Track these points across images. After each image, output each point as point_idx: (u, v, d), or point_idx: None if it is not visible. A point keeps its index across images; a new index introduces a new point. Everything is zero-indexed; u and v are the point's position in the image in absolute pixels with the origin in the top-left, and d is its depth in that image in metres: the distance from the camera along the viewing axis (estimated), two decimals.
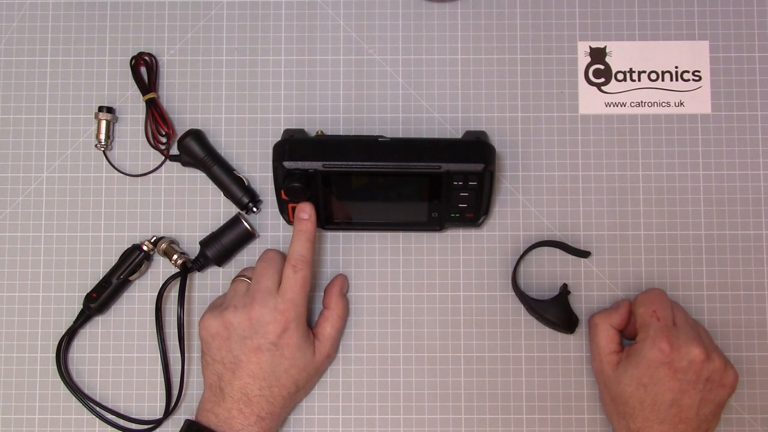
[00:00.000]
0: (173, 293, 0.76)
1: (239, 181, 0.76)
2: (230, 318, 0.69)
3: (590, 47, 0.79)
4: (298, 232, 0.71)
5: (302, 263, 0.70)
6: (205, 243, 0.76)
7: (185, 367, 0.74)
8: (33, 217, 0.78)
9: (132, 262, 0.75)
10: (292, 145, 0.71)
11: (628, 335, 0.73)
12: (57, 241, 0.77)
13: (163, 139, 0.77)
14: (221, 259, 0.76)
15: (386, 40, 0.79)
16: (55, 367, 0.75)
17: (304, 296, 0.70)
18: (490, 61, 0.79)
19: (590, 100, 0.78)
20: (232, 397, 0.69)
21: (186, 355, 0.74)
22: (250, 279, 0.72)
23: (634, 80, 0.78)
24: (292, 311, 0.69)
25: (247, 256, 0.77)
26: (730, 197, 0.77)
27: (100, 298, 0.75)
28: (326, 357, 0.73)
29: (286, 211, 0.74)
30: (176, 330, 0.73)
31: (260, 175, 0.78)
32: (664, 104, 0.78)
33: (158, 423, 0.74)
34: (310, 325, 0.74)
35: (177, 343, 0.73)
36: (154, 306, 0.74)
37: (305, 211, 0.71)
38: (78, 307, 0.76)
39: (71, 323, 0.76)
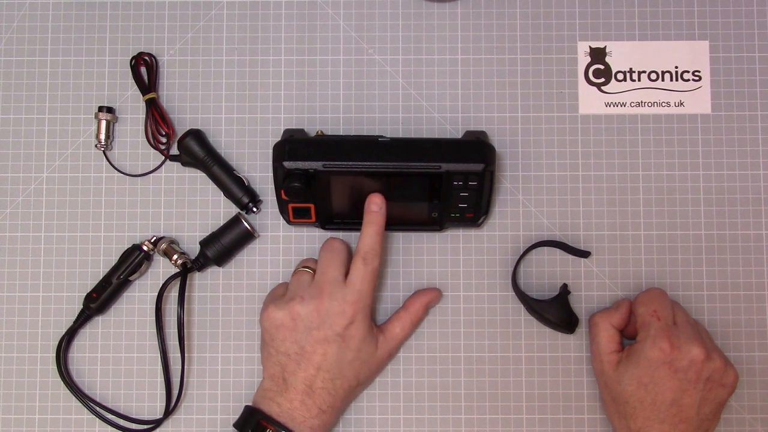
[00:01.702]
0: (173, 293, 0.76)
1: (239, 181, 0.76)
2: (297, 309, 0.69)
3: (590, 47, 0.79)
4: (368, 223, 0.71)
5: (372, 255, 0.70)
6: (205, 243, 0.76)
7: (185, 367, 0.74)
8: (33, 217, 0.78)
9: (132, 262, 0.75)
10: (292, 145, 0.71)
11: (628, 335, 0.73)
12: (57, 241, 0.77)
13: (163, 139, 0.77)
14: (221, 259, 0.76)
15: (386, 40, 0.79)
16: (55, 367, 0.75)
17: (372, 289, 0.70)
18: (490, 61, 0.79)
19: (590, 100, 0.78)
20: (296, 388, 0.68)
21: (186, 355, 0.74)
22: (312, 270, 0.72)
23: (634, 80, 0.79)
24: (360, 303, 0.69)
25: (247, 256, 0.77)
26: (730, 197, 0.77)
27: (100, 298, 0.75)
28: (388, 354, 0.72)
29: (286, 211, 0.74)
30: (176, 330, 0.73)
31: (260, 175, 0.78)
32: (664, 104, 0.78)
33: (158, 423, 0.74)
34: (377, 322, 0.74)
35: (177, 343, 0.73)
36: (154, 306, 0.74)
37: (376, 203, 0.71)
38: (78, 307, 0.76)
39: (71, 323, 0.76)
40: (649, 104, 0.78)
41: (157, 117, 0.77)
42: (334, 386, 0.69)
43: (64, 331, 0.76)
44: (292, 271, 0.74)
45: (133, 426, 0.75)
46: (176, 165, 0.78)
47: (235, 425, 0.70)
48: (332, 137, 0.75)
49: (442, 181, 0.71)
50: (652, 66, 0.79)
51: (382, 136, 0.73)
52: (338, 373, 0.69)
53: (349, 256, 0.72)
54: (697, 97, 0.78)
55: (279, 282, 0.76)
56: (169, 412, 0.74)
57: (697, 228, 0.77)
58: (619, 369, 0.70)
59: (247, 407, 0.70)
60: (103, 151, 0.78)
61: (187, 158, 0.76)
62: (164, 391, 0.75)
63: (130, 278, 0.75)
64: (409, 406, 0.76)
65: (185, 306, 0.74)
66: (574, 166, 0.78)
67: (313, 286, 0.70)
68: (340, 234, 0.77)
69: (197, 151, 0.76)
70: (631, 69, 0.79)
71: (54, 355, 0.75)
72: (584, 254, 0.76)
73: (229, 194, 0.76)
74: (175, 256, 0.75)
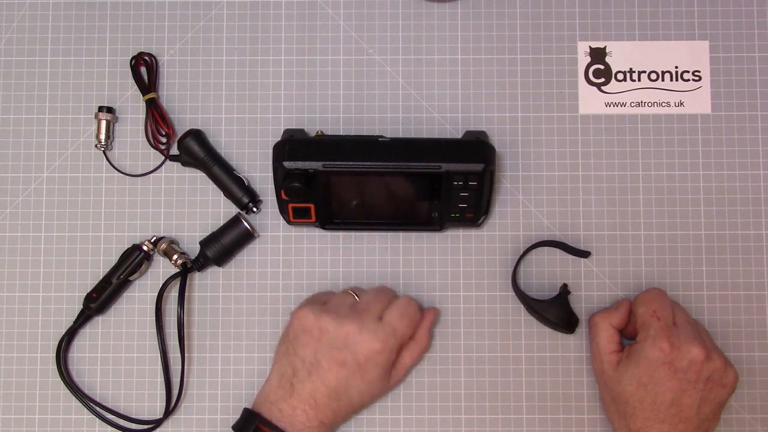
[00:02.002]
0: (173, 293, 0.76)
1: (239, 181, 0.76)
2: (328, 323, 0.68)
3: (590, 47, 0.79)
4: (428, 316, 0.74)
5: (414, 307, 0.72)
6: (205, 243, 0.76)
7: (185, 367, 0.74)
8: (33, 217, 0.78)
9: (132, 262, 0.75)
10: (292, 145, 0.71)
11: (628, 335, 0.73)
12: (57, 241, 0.77)
13: (163, 139, 0.77)
14: (221, 259, 0.76)
15: (386, 40, 0.79)
16: (55, 367, 0.75)
17: (405, 332, 0.70)
18: (490, 61, 0.79)
19: (590, 100, 0.78)
20: (301, 396, 0.68)
21: (186, 355, 0.74)
22: (357, 296, 0.72)
23: (634, 80, 0.78)
24: (390, 340, 0.69)
25: (247, 256, 0.77)
26: (730, 197, 0.77)
27: (100, 298, 0.75)
28: (396, 384, 0.73)
29: (286, 211, 0.74)
30: (176, 330, 0.73)
31: (260, 175, 0.78)
32: (664, 104, 0.78)
33: (158, 423, 0.74)
34: None
35: (177, 343, 0.73)
36: (154, 306, 0.74)
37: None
38: (78, 307, 0.76)
39: (71, 323, 0.76)
40: (649, 104, 0.78)
41: (157, 117, 0.77)
42: (339, 406, 0.69)
43: (64, 331, 0.76)
44: (341, 290, 0.74)
45: (133, 426, 0.75)
46: (176, 165, 0.78)
47: (234, 427, 0.70)
48: (332, 137, 0.75)
49: (442, 181, 0.71)
50: (652, 66, 0.79)
51: (382, 136, 0.73)
52: (344, 396, 0.69)
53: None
54: (697, 97, 0.78)
55: (280, 282, 0.76)
56: (169, 412, 0.74)
57: (697, 228, 0.77)
58: (619, 369, 0.70)
59: (246, 410, 0.70)
60: (103, 151, 0.78)
61: (187, 158, 0.76)
62: (164, 391, 0.75)
63: (130, 278, 0.75)
64: (409, 406, 0.76)
65: (185, 306, 0.74)
66: (574, 166, 0.78)
67: (351, 309, 0.70)
68: (340, 234, 0.77)
69: (197, 151, 0.76)
70: (631, 69, 0.79)
71: (54, 355, 0.75)
72: (584, 254, 0.76)
73: (229, 194, 0.76)
74: (175, 256, 0.75)
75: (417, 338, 0.73)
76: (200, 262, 0.75)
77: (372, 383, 0.69)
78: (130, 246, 0.76)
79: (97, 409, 0.75)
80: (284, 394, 0.69)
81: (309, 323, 0.69)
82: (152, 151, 0.78)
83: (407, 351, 0.72)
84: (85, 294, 0.75)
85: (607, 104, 0.78)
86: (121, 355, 0.76)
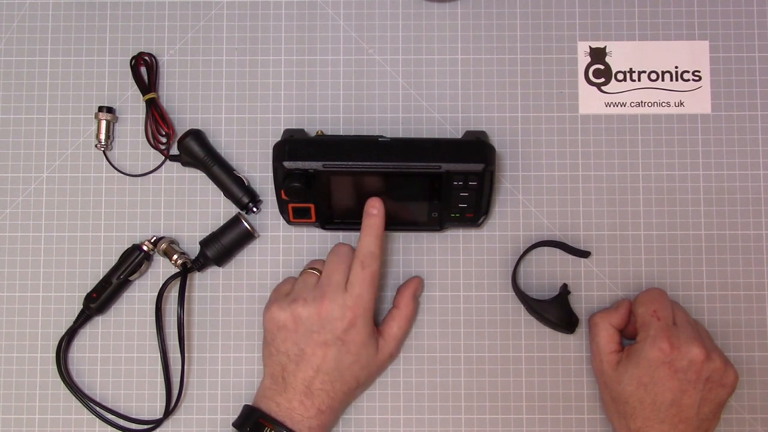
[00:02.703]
0: (173, 293, 0.76)
1: (239, 181, 0.76)
2: (299, 311, 0.69)
3: (590, 47, 0.79)
4: (366, 227, 0.71)
5: (371, 259, 0.70)
6: (205, 243, 0.76)
7: (185, 367, 0.74)
8: (33, 217, 0.78)
9: (132, 262, 0.75)
10: (292, 145, 0.71)
11: (628, 335, 0.73)
12: (57, 241, 0.77)
13: (163, 139, 0.77)
14: (221, 259, 0.76)
15: (386, 40, 0.79)
16: (55, 367, 0.75)
17: (372, 292, 0.70)
18: (490, 61, 0.79)
19: (590, 100, 0.78)
20: (295, 388, 0.69)
21: (186, 355, 0.74)
22: (319, 271, 0.72)
23: (634, 80, 0.79)
24: (360, 307, 0.69)
25: (247, 256, 0.77)
26: (730, 197, 0.77)
27: (100, 298, 0.75)
28: (389, 356, 0.73)
29: (286, 211, 0.74)
30: (176, 330, 0.73)
31: (260, 175, 0.78)
32: (664, 104, 0.78)
33: (158, 423, 0.74)
34: (377, 322, 0.74)
35: (177, 343, 0.73)
36: (154, 306, 0.74)
37: (375, 207, 0.71)
38: (78, 307, 0.76)
39: (71, 323, 0.76)
40: (649, 104, 0.78)
41: (157, 117, 0.77)
42: (333, 388, 0.69)
43: (64, 331, 0.76)
44: (300, 271, 0.74)
45: (133, 426, 0.75)
46: (176, 165, 0.78)
47: (234, 424, 0.70)
48: (332, 137, 0.75)
49: (442, 181, 0.71)
50: (652, 66, 0.79)
51: (382, 136, 0.73)
52: (337, 376, 0.69)
53: None
54: (697, 97, 0.78)
55: (279, 281, 0.76)
56: (169, 412, 0.74)
57: (697, 228, 0.77)
58: (619, 369, 0.70)
59: (246, 406, 0.70)
60: (103, 151, 0.78)
61: (187, 158, 0.76)
62: (164, 391, 0.75)
63: (130, 278, 0.75)
64: (409, 406, 0.76)
65: (185, 306, 0.74)
66: (574, 166, 0.78)
67: (316, 289, 0.70)
68: (340, 234, 0.77)
69: (197, 151, 0.76)
70: (631, 69, 0.79)
71: (54, 355, 0.75)
72: (584, 254, 0.76)
73: (229, 194, 0.76)
74: (175, 256, 0.75)
75: (401, 306, 0.73)
76: (200, 262, 0.75)
77: (358, 353, 0.69)
78: (130, 246, 0.76)
79: (97, 409, 0.75)
80: (279, 390, 0.69)
81: (281, 319, 0.69)
82: (152, 151, 0.78)
83: (393, 320, 0.73)
84: (85, 294, 0.75)
85: (607, 104, 0.78)
86: (121, 355, 0.76)
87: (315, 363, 0.68)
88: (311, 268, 0.73)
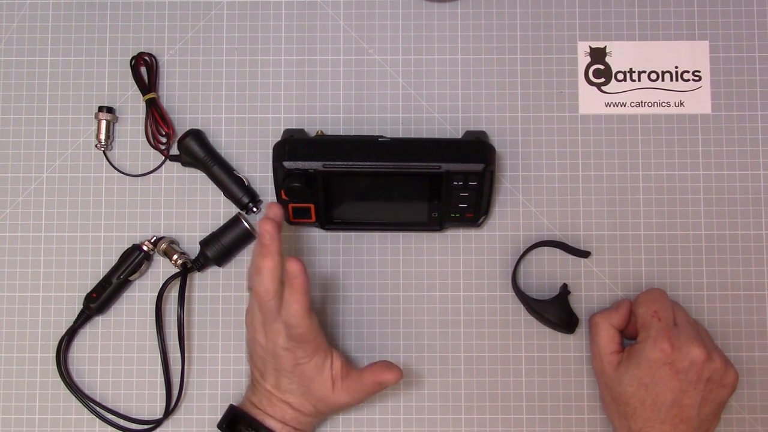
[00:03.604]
0: (173, 293, 0.76)
1: (239, 181, 0.76)
2: (249, 330, 0.70)
3: (590, 47, 0.79)
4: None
5: (262, 265, 0.66)
6: (205, 243, 0.76)
7: (185, 367, 0.74)
8: (33, 217, 0.78)
9: (132, 262, 0.75)
10: (292, 145, 0.71)
11: (628, 335, 0.73)
12: (57, 241, 0.77)
13: (163, 139, 0.77)
14: (221, 259, 0.76)
15: (386, 40, 0.79)
16: (55, 367, 0.75)
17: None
18: (490, 61, 0.79)
19: (590, 100, 0.78)
20: (266, 386, 0.69)
21: (186, 355, 0.74)
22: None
23: (634, 80, 0.79)
24: (256, 294, 0.66)
25: (247, 256, 0.77)
26: (730, 197, 0.77)
27: (100, 298, 0.75)
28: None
29: (286, 211, 0.74)
30: (176, 330, 0.73)
31: (260, 175, 0.78)
32: (664, 104, 0.78)
33: (158, 423, 0.74)
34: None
35: (177, 343, 0.73)
36: (154, 306, 0.74)
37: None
38: (78, 307, 0.76)
39: (71, 323, 0.76)
40: (649, 104, 0.78)
41: (157, 117, 0.77)
42: (301, 391, 0.69)
43: (64, 331, 0.76)
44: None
45: (133, 426, 0.75)
46: (176, 165, 0.78)
47: (218, 425, 0.71)
48: (332, 137, 0.75)
49: (442, 181, 0.71)
50: (652, 66, 0.79)
51: (382, 136, 0.73)
52: (286, 367, 0.68)
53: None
54: (697, 97, 0.78)
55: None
56: (169, 412, 0.74)
57: (697, 228, 0.77)
58: (620, 369, 0.70)
59: (230, 406, 0.71)
60: (103, 151, 0.78)
61: (187, 158, 0.76)
62: (164, 391, 0.75)
63: (130, 278, 0.75)
64: (409, 406, 0.76)
65: (185, 306, 0.74)
66: (574, 166, 0.78)
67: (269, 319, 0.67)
68: (340, 234, 0.77)
69: (197, 151, 0.76)
70: (631, 69, 0.79)
71: (54, 355, 0.75)
72: (584, 254, 0.76)
73: (229, 194, 0.76)
74: (175, 256, 0.75)
75: (365, 377, 0.69)
76: (200, 262, 0.75)
77: (278, 334, 0.66)
78: (130, 246, 0.76)
79: (97, 409, 0.75)
80: (254, 389, 0.71)
81: (249, 338, 0.70)
82: (152, 151, 0.78)
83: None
84: (85, 294, 0.75)
85: (607, 104, 0.78)
86: (121, 355, 0.76)
87: (265, 360, 0.69)
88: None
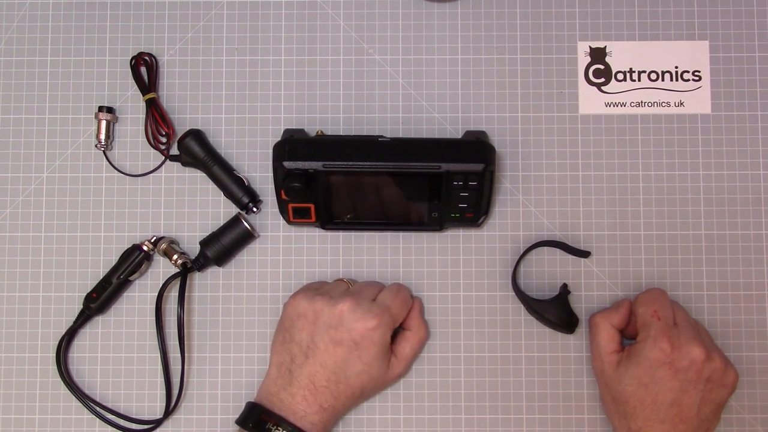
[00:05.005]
0: (173, 293, 0.76)
1: (239, 181, 0.76)
2: (322, 305, 0.69)
3: (590, 47, 0.79)
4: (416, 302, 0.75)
5: (406, 291, 0.73)
6: (205, 243, 0.76)
7: (185, 367, 0.74)
8: (33, 217, 0.78)
9: (132, 262, 0.75)
10: (292, 145, 0.71)
11: (628, 335, 0.73)
12: (57, 241, 0.77)
13: (163, 139, 0.77)
14: (221, 259, 0.76)
15: (386, 40, 0.79)
16: (55, 367, 0.75)
17: (399, 312, 0.71)
18: (490, 61, 0.79)
19: (590, 100, 0.78)
20: (299, 382, 0.69)
21: (186, 355, 0.74)
22: (350, 285, 0.74)
23: (634, 80, 0.79)
24: (384, 317, 0.69)
25: (247, 256, 0.77)
26: (730, 197, 0.77)
27: (100, 298, 0.75)
28: (398, 375, 0.73)
29: (286, 211, 0.74)
30: (176, 330, 0.73)
31: (260, 175, 0.78)
32: (664, 104, 0.78)
33: (158, 423, 0.74)
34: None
35: (177, 343, 0.73)
36: (154, 306, 0.74)
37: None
38: (78, 307, 0.76)
39: (71, 323, 0.76)
40: (649, 104, 0.78)
41: (157, 117, 0.77)
42: (338, 389, 0.69)
43: (64, 331, 0.76)
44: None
45: (133, 426, 0.75)
46: (176, 165, 0.78)
47: (237, 422, 0.70)
48: (332, 137, 0.75)
49: (442, 181, 0.71)
50: (652, 66, 0.79)
51: (382, 136, 0.73)
52: (343, 378, 0.69)
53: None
54: (697, 97, 0.78)
55: (280, 282, 0.76)
56: (169, 412, 0.74)
57: (697, 228, 0.77)
58: (620, 369, 0.70)
59: (248, 403, 0.70)
60: (103, 151, 0.78)
61: (187, 158, 0.76)
62: (164, 391, 0.75)
63: (130, 278, 0.75)
64: (409, 406, 0.76)
65: (185, 306, 0.74)
66: (574, 166, 0.78)
67: (345, 292, 0.71)
68: (340, 234, 0.77)
69: (197, 151, 0.76)
70: (631, 69, 0.79)
71: (54, 355, 0.75)
72: (584, 254, 0.76)
73: (229, 194, 0.76)
74: (175, 256, 0.75)
75: (412, 327, 0.73)
76: (200, 262, 0.75)
77: (370, 364, 0.69)
78: (130, 246, 0.76)
79: (97, 409, 0.75)
80: (283, 383, 0.69)
81: (303, 307, 0.70)
82: (152, 151, 0.78)
83: (407, 341, 0.73)
84: (85, 294, 0.75)
85: (607, 104, 0.78)
86: (121, 355, 0.76)
87: (324, 359, 0.68)
88: (344, 279, 0.75)
